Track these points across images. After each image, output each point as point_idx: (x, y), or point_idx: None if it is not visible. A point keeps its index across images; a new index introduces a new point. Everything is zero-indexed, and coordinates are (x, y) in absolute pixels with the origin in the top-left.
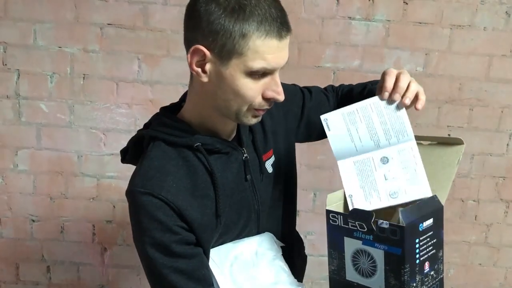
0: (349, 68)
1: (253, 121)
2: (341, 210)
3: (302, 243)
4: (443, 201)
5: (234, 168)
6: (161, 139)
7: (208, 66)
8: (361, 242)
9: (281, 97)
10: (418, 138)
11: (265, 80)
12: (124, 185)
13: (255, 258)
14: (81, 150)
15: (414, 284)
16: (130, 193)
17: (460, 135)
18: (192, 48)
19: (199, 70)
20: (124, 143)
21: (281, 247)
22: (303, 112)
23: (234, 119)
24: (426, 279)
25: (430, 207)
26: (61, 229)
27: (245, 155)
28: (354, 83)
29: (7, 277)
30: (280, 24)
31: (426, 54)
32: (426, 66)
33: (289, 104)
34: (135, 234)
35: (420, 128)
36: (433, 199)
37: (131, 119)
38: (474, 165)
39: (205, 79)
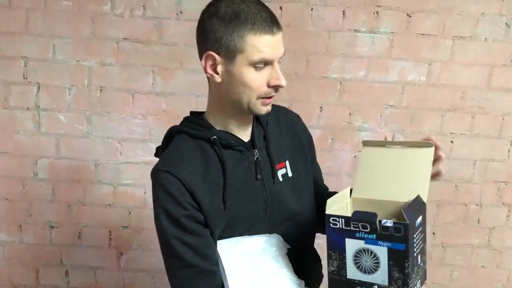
0: (355, 79)
1: (264, 109)
2: (340, 212)
3: (320, 261)
4: (425, 199)
5: (245, 166)
6: (185, 132)
7: (219, 68)
8: (363, 241)
9: (283, 82)
10: (389, 143)
11: (267, 71)
12: (139, 192)
13: (260, 252)
14: (98, 159)
15: (414, 275)
16: (153, 172)
17: (463, 142)
18: (205, 55)
19: (213, 72)
20: (139, 152)
21: (296, 263)
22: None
23: (247, 110)
24: (418, 270)
25: (419, 205)
26: (79, 234)
27: (256, 156)
28: (361, 93)
29: (28, 281)
30: (270, 22)
31: (429, 65)
32: (429, 76)
33: (309, 145)
34: (154, 207)
35: (423, 135)
36: (418, 199)
37: (146, 129)
38: (477, 171)
39: (218, 79)
